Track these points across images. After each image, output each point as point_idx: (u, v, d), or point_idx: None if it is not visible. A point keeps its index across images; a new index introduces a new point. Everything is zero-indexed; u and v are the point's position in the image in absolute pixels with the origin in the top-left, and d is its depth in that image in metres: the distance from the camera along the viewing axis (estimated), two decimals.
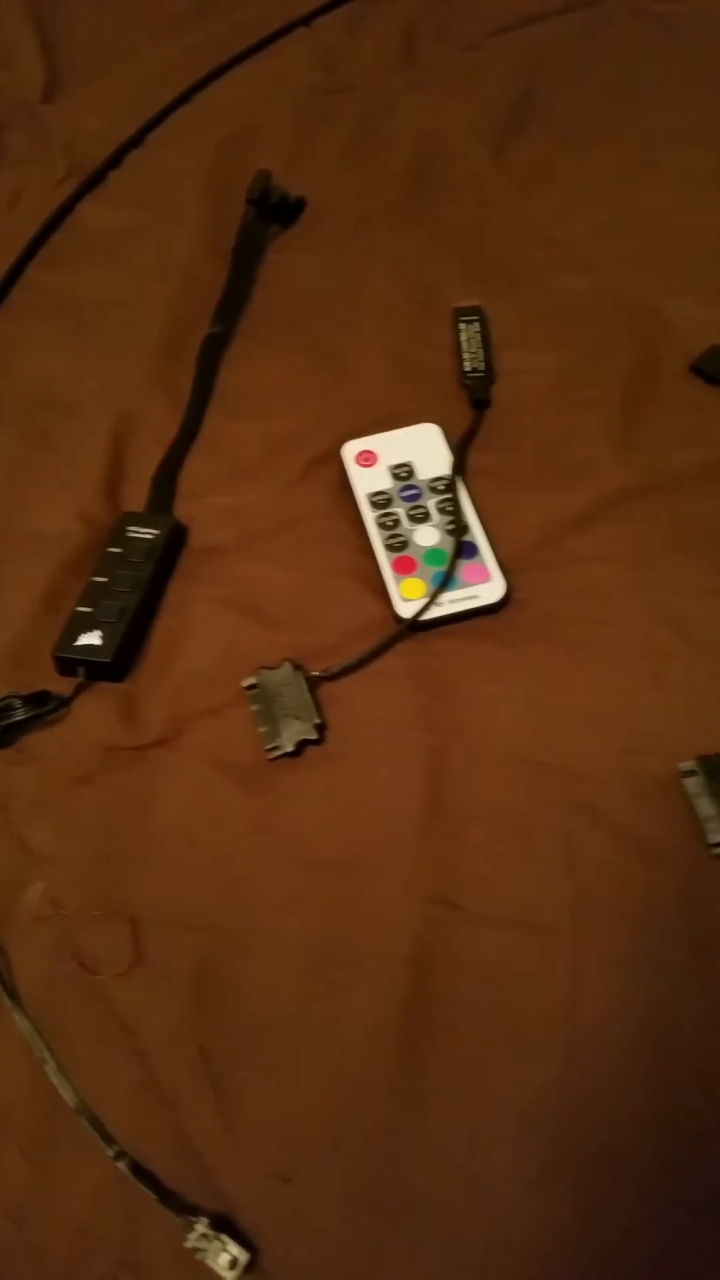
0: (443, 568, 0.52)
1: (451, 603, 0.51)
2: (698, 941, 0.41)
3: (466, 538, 0.53)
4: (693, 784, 0.44)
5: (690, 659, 0.48)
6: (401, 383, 0.60)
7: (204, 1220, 0.38)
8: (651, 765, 0.45)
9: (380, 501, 0.55)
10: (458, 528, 0.53)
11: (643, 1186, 0.37)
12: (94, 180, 0.71)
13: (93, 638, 0.50)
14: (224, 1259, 0.37)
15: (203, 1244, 0.37)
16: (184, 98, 0.77)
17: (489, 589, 0.51)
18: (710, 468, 0.54)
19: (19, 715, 0.48)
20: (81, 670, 0.49)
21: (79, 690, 0.49)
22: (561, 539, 0.53)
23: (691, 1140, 0.38)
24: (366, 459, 0.56)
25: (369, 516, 0.54)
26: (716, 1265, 0.36)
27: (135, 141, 0.74)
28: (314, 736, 0.48)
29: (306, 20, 0.82)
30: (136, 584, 0.51)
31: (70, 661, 0.49)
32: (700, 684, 0.47)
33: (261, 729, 0.48)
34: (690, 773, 0.45)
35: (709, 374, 0.58)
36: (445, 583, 0.51)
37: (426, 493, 0.55)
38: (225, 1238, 0.37)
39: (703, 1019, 0.39)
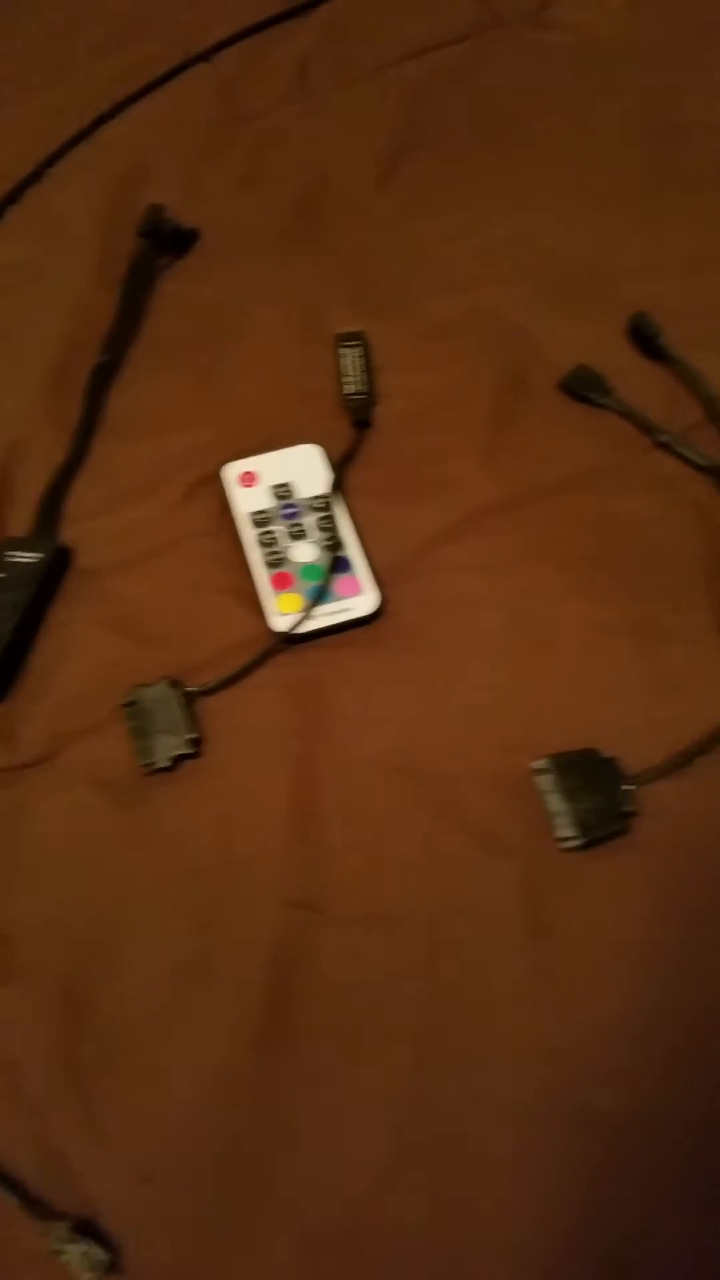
0: (318, 582, 0.53)
1: (325, 615, 0.53)
2: (539, 931, 0.42)
3: (342, 553, 0.55)
4: (544, 781, 0.46)
5: (547, 662, 0.50)
6: (285, 406, 0.61)
7: (65, 1223, 0.39)
8: (508, 765, 0.47)
9: (260, 520, 0.56)
10: (334, 544, 0.55)
11: (494, 1172, 0.39)
12: None
13: None
14: (85, 1260, 0.38)
15: (62, 1246, 0.38)
16: (84, 133, 0.79)
17: (362, 601, 0.53)
18: (569, 480, 0.56)
19: None
20: None
21: None
22: (431, 551, 0.54)
23: (545, 1124, 0.39)
24: (248, 479, 0.58)
25: (249, 535, 0.56)
26: (572, 1250, 0.37)
27: (34, 177, 0.76)
28: (188, 751, 0.49)
29: (207, 55, 0.84)
30: (15, 607, 0.52)
31: None
32: (555, 685, 0.49)
33: (136, 745, 0.49)
34: (543, 771, 0.46)
35: (574, 392, 0.60)
36: (320, 597, 0.53)
37: (305, 511, 0.57)
38: (86, 1239, 0.38)
39: (544, 1007, 0.41)
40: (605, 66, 0.80)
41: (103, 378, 0.63)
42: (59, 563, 0.55)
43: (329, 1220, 0.38)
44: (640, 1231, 0.37)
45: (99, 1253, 0.38)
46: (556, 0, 0.85)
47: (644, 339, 0.60)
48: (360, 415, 0.61)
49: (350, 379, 0.62)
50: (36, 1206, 0.39)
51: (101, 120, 0.80)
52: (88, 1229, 0.38)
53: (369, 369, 0.63)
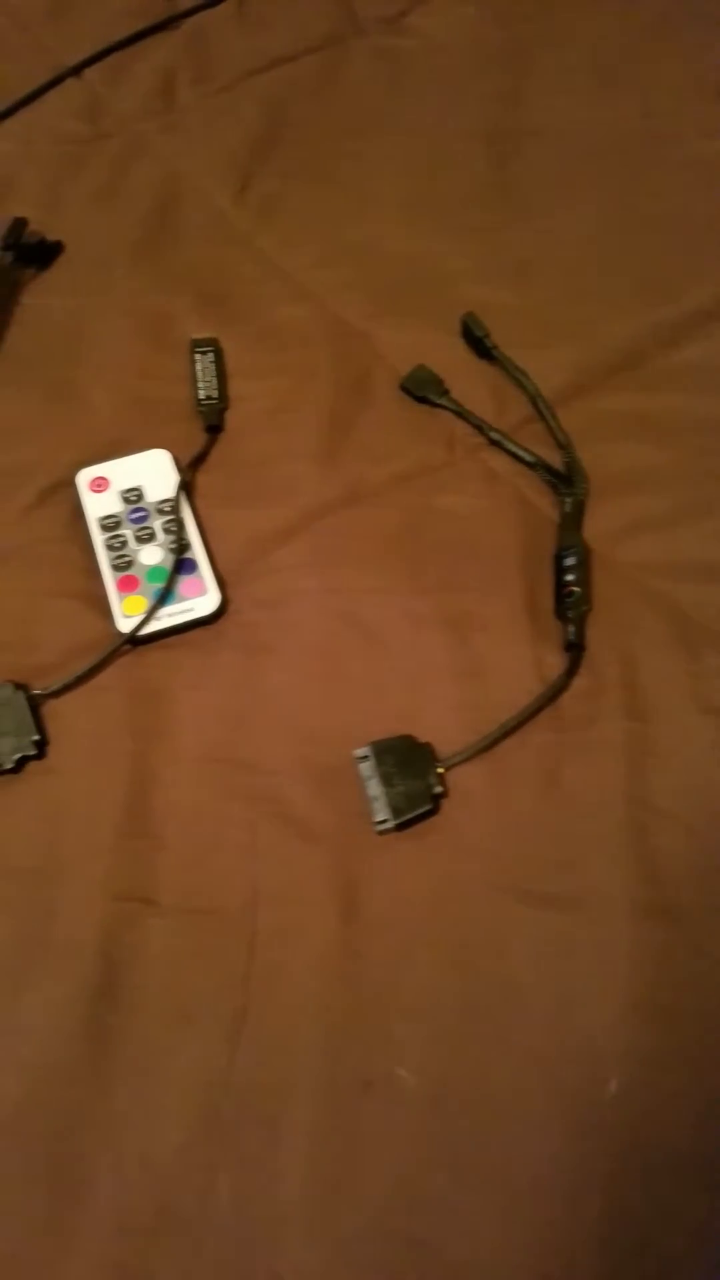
0: (162, 584, 0.51)
1: (169, 616, 0.51)
2: (350, 913, 0.41)
3: (188, 555, 0.53)
4: (365, 768, 0.45)
5: (365, 654, 0.48)
6: (138, 412, 0.58)
7: None
8: (327, 755, 0.46)
9: (110, 524, 0.54)
10: (179, 546, 0.53)
11: (300, 1148, 0.38)
12: None
13: None
14: None
15: None
16: None
17: (204, 602, 0.51)
18: (397, 479, 0.54)
19: None
20: None
21: None
22: (268, 552, 0.52)
23: (352, 1100, 0.38)
24: (99, 485, 0.55)
25: (98, 539, 0.53)
26: (377, 1224, 0.36)
27: None
28: (32, 752, 0.47)
29: (76, 71, 0.80)
30: None
31: None
32: (373, 676, 0.48)
33: None
34: (363, 757, 0.45)
35: (413, 392, 0.58)
36: (164, 598, 0.51)
37: (153, 514, 0.54)
38: None
39: (353, 985, 0.40)
40: (455, 72, 0.77)
41: None
42: None
43: (143, 1204, 0.37)
44: (443, 1201, 0.36)
45: None
46: (414, 8, 0.83)
47: (473, 339, 0.59)
48: (212, 420, 0.58)
49: (204, 384, 0.60)
50: None
51: None
52: None
53: (221, 374, 0.60)
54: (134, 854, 0.44)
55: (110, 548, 0.53)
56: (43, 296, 0.65)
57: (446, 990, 0.40)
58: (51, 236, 0.67)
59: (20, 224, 0.66)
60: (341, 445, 0.56)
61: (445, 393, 0.58)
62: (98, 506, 0.55)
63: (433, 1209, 0.36)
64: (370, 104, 0.75)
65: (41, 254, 0.67)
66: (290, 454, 0.56)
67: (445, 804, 0.44)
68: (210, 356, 0.61)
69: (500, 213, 0.67)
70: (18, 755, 0.46)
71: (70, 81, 0.79)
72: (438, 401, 0.58)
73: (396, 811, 0.43)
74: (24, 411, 0.59)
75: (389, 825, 0.43)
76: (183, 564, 0.52)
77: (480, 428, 0.56)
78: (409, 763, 0.44)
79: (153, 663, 0.49)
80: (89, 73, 0.79)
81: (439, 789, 0.44)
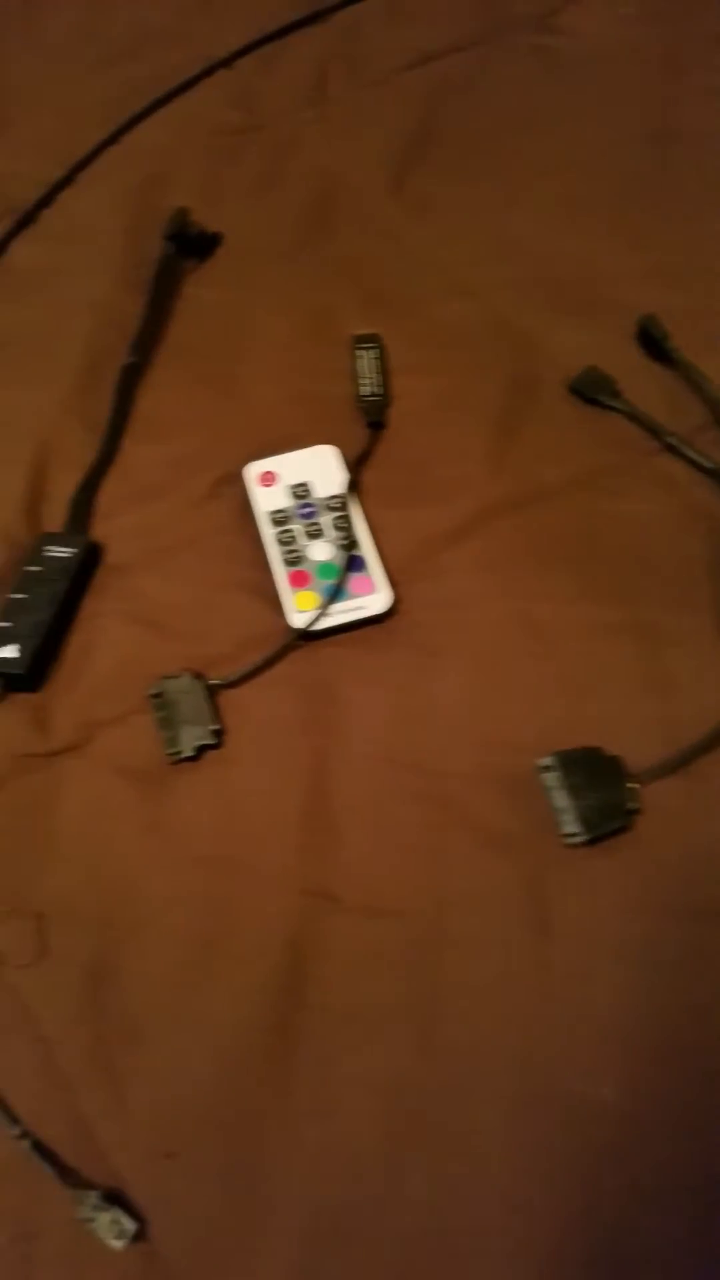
0: (334, 580, 0.50)
1: (341, 613, 0.49)
2: (541, 925, 0.40)
3: (356, 552, 0.51)
4: (550, 778, 0.43)
5: (544, 661, 0.46)
6: (299, 407, 0.57)
7: (95, 1194, 0.37)
8: (508, 762, 0.44)
9: (279, 519, 0.53)
10: (349, 543, 0.51)
11: (491, 1159, 0.36)
12: (25, 220, 0.68)
13: (10, 651, 0.48)
14: (113, 1229, 0.36)
15: (93, 1215, 0.36)
16: (113, 138, 0.74)
17: (375, 600, 0.50)
18: (570, 483, 0.52)
19: None
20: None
21: None
22: (438, 552, 0.51)
23: (543, 1114, 0.37)
24: (268, 479, 0.54)
25: (268, 533, 0.52)
26: (569, 1238, 0.35)
27: (66, 181, 0.71)
28: (212, 741, 0.46)
29: (227, 62, 0.78)
30: (52, 600, 0.49)
31: None
32: (552, 684, 0.46)
33: (163, 734, 0.46)
34: (548, 768, 0.43)
35: (584, 393, 0.56)
36: (336, 595, 0.50)
37: (322, 510, 0.53)
38: (116, 1209, 0.36)
39: (545, 999, 0.38)
40: (610, 72, 0.74)
41: (129, 379, 0.59)
42: (91, 558, 0.52)
43: (331, 1198, 0.36)
44: (636, 1222, 0.35)
45: (127, 1222, 0.36)
46: (566, 6, 0.79)
47: (652, 341, 0.56)
48: (375, 416, 0.57)
49: (366, 380, 0.58)
50: (69, 1176, 0.37)
51: (127, 127, 0.74)
52: (116, 1199, 0.37)
53: (385, 370, 0.59)
54: (316, 850, 0.42)
55: (281, 542, 0.52)
56: (203, 288, 0.64)
57: (638, 1009, 0.38)
58: (211, 227, 0.66)
59: (183, 214, 0.65)
60: (509, 446, 0.54)
61: (618, 395, 0.55)
62: (267, 501, 0.53)
63: (632, 1231, 0.34)
64: (523, 102, 0.73)
65: (202, 245, 0.66)
66: (457, 453, 0.54)
67: (637, 820, 0.42)
68: (373, 352, 0.59)
69: (662, 214, 0.64)
70: (198, 744, 0.46)
71: (222, 73, 0.77)
72: (609, 404, 0.55)
73: (589, 825, 0.41)
74: (190, 403, 0.58)
75: (581, 839, 0.41)
76: (352, 561, 0.51)
77: (656, 432, 0.54)
78: (598, 776, 0.42)
79: (324, 658, 0.48)
80: (241, 64, 0.78)
81: (633, 805, 0.42)
